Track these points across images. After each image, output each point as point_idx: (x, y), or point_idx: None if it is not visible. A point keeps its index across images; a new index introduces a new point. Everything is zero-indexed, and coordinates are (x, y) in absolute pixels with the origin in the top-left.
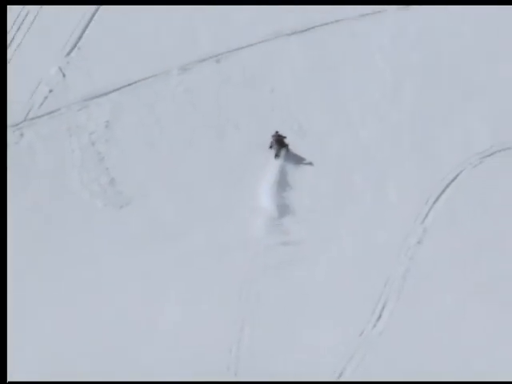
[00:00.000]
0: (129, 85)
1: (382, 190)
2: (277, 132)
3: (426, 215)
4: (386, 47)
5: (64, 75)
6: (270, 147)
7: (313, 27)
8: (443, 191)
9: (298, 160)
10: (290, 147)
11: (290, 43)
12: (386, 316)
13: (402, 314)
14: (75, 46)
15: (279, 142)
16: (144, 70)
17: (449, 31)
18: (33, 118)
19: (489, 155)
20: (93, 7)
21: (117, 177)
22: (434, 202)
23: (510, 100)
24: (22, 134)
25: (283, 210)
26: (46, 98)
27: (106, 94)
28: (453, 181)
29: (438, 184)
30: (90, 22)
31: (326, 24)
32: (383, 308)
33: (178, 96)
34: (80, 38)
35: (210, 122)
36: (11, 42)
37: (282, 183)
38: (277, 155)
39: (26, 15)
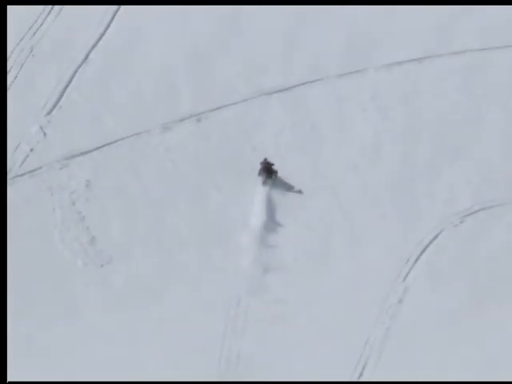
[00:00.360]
0: (110, 143)
1: (363, 248)
2: (265, 159)
3: (407, 274)
4: (367, 107)
5: (45, 134)
6: (259, 175)
7: (294, 86)
8: (424, 250)
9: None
10: (278, 175)
11: (271, 102)
12: (367, 375)
13: (383, 374)
14: (56, 104)
15: (267, 170)
16: (125, 128)
17: (431, 92)
18: (14, 177)
19: (470, 214)
20: (74, 65)
21: (97, 236)
22: (415, 262)
23: (490, 159)
24: None
25: (265, 267)
26: (26, 156)
27: (86, 152)
28: (433, 240)
29: (418, 243)
30: (70, 80)
31: (307, 83)
32: (364, 367)
33: (159, 155)
34: (61, 96)
35: (190, 181)
36: None
37: (265, 237)
38: (264, 182)
39: (8, 72)
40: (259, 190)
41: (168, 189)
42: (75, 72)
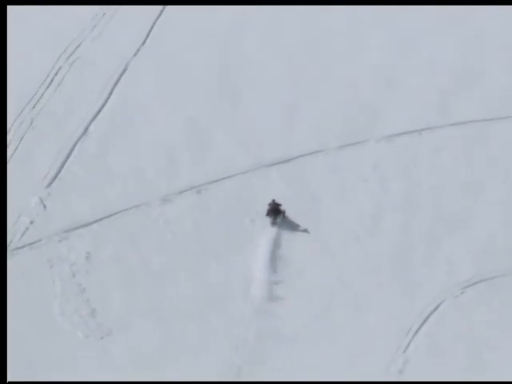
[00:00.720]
0: (110, 216)
1: (363, 318)
2: (273, 200)
3: (408, 345)
4: (367, 177)
5: (45, 206)
6: (267, 215)
7: (293, 158)
8: (424, 322)
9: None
10: (286, 214)
11: (270, 174)
12: None
13: None
14: (56, 176)
15: (275, 210)
16: (125, 201)
17: (431, 163)
18: (14, 250)
19: (470, 285)
20: (74, 137)
21: (97, 308)
22: (415, 333)
23: (490, 230)
24: None
25: (266, 336)
26: (27, 229)
27: (86, 225)
28: (434, 311)
29: (419, 314)
30: (70, 152)
31: (306, 155)
32: None
33: (158, 227)
34: (61, 168)
35: (190, 253)
36: None
37: (266, 306)
38: (273, 223)
39: (9, 144)
40: (263, 241)
41: (168, 260)
42: (75, 144)
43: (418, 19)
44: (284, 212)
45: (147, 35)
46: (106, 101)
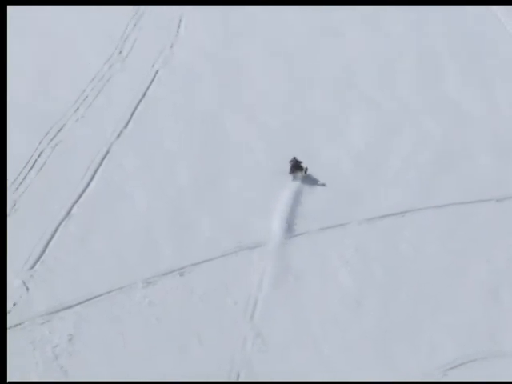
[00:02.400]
0: (93, 298)
1: None
2: (294, 158)
3: None
4: (349, 260)
5: (27, 289)
6: (290, 172)
7: (275, 240)
8: None
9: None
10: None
11: (252, 256)
12: None
13: None
14: (39, 259)
15: (297, 167)
16: (108, 283)
17: (413, 245)
18: None
19: (453, 368)
20: (56, 219)
21: None
22: None
23: (472, 311)
24: None
25: None
26: (9, 311)
27: (69, 307)
28: None
29: None
30: (53, 235)
31: (289, 238)
32: None
33: (142, 309)
34: (43, 251)
35: (173, 335)
36: None
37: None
38: (294, 177)
39: None
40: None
41: (150, 343)
42: (57, 227)
43: (399, 99)
44: (306, 168)
45: (130, 118)
46: (88, 183)
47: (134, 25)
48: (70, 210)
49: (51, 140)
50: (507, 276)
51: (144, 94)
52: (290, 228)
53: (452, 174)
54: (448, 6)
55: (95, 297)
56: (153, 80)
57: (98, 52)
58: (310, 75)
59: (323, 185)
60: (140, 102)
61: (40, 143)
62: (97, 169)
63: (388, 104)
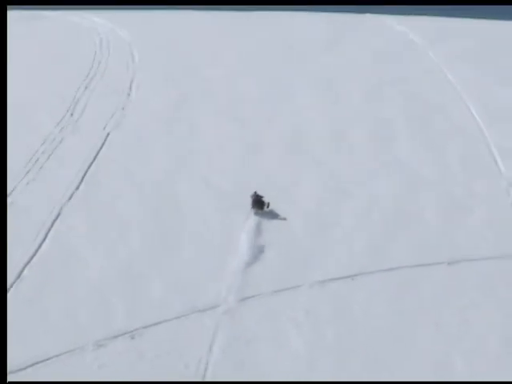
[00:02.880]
0: (43, 361)
1: None
2: (255, 192)
3: None
4: (300, 322)
5: None
6: (252, 207)
7: (227, 302)
8: None
9: None
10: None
11: (204, 319)
12: None
13: None
14: None
15: (258, 202)
16: (59, 345)
17: (363, 308)
18: None
19: None
20: (8, 282)
21: None
22: None
23: (421, 375)
24: None
25: None
26: None
27: (19, 370)
28: None
29: None
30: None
31: (241, 300)
32: None
33: (92, 372)
34: None
35: None
36: None
37: None
38: (256, 213)
39: None
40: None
41: None
42: (9, 289)
43: (351, 163)
44: (268, 203)
45: (81, 180)
46: (40, 245)
47: (86, 87)
48: (22, 272)
49: None
50: (458, 341)
51: (95, 157)
52: (241, 290)
53: (403, 237)
54: (403, 74)
55: (46, 359)
56: (104, 142)
57: (49, 114)
58: (262, 139)
59: (275, 246)
60: (91, 164)
61: None
62: (48, 230)
63: (339, 167)
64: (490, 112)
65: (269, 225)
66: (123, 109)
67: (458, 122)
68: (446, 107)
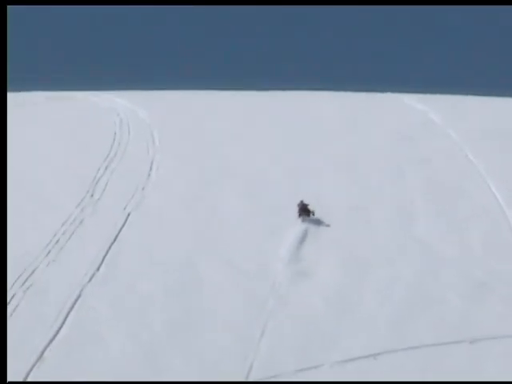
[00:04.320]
0: None
1: None
2: (301, 201)
3: None
4: None
5: None
6: (299, 216)
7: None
8: None
9: None
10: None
11: None
12: None
13: None
14: None
15: (304, 209)
16: None
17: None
18: None
19: None
20: (29, 363)
21: None
22: None
23: None
24: None
25: None
26: None
27: None
28: None
29: None
30: (26, 377)
31: (264, 381)
32: None
33: None
34: None
35: None
36: None
37: None
38: (303, 220)
39: None
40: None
41: None
42: (30, 371)
43: (372, 242)
44: (314, 211)
45: (102, 261)
46: (60, 327)
47: (106, 167)
48: (42, 354)
49: (23, 284)
50: None
51: (116, 237)
52: (263, 371)
53: (424, 316)
54: (423, 154)
55: None
56: (125, 223)
57: (69, 194)
58: (282, 220)
59: (297, 325)
60: (112, 244)
61: (11, 287)
62: (69, 312)
63: (361, 246)
64: (511, 192)
65: (290, 304)
66: (143, 189)
67: (480, 203)
68: (467, 188)
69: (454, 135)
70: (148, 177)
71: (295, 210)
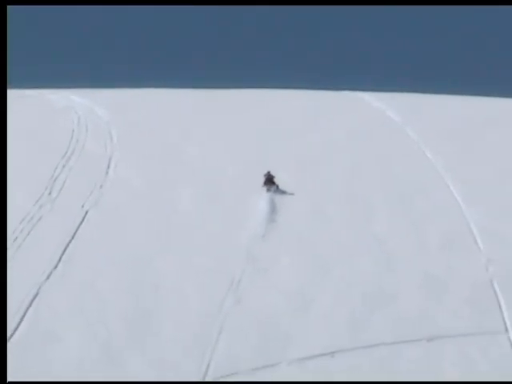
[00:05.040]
0: None
1: None
2: (268, 172)
3: None
4: None
5: None
6: (264, 184)
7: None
8: None
9: None
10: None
11: None
12: None
13: None
14: None
15: (270, 180)
16: None
17: None
18: None
19: None
20: None
21: None
22: None
23: None
24: None
25: None
26: None
27: None
28: None
29: None
30: None
31: (218, 381)
32: None
33: None
34: None
35: None
36: None
37: None
38: (268, 189)
39: None
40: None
41: None
42: None
43: (331, 239)
44: (278, 186)
45: (60, 259)
46: (18, 325)
47: (64, 165)
48: None
49: None
50: None
51: (74, 235)
52: (219, 369)
53: (382, 313)
54: (380, 152)
55: None
56: (82, 220)
57: (27, 192)
58: (240, 216)
59: (254, 323)
60: (70, 242)
61: None
62: (27, 310)
63: (319, 244)
64: (469, 190)
65: (246, 303)
66: (101, 187)
67: (438, 200)
68: (424, 185)
69: (411, 133)
70: (106, 174)
71: (256, 206)
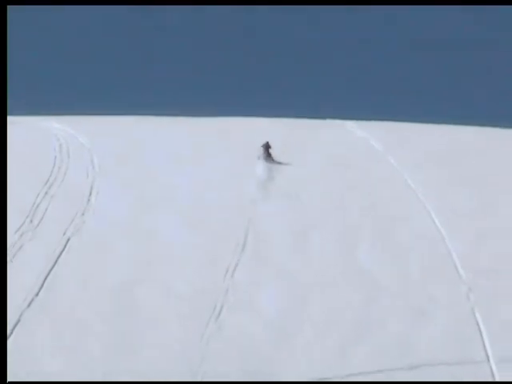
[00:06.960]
0: None
1: None
2: (267, 142)
3: None
4: None
5: None
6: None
7: None
8: None
9: None
10: None
11: None
12: None
13: None
14: None
15: (267, 152)
16: None
17: None
18: None
19: None
20: None
21: None
22: None
23: None
24: None
25: None
26: None
27: None
28: None
29: None
30: None
31: None
32: None
33: None
34: None
35: None
36: None
37: None
38: (266, 160)
39: None
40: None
41: None
42: None
43: (313, 269)
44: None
45: (41, 286)
46: None
47: (46, 192)
48: None
49: None
50: None
51: (55, 262)
52: None
53: (363, 343)
54: (362, 182)
55: None
56: (64, 248)
57: (8, 220)
58: (222, 246)
59: (233, 355)
60: (51, 270)
61: None
62: (7, 338)
63: (302, 273)
64: (450, 218)
65: (228, 331)
66: (83, 214)
67: (419, 229)
68: (406, 214)
69: (393, 162)
70: (88, 202)
71: (237, 234)
